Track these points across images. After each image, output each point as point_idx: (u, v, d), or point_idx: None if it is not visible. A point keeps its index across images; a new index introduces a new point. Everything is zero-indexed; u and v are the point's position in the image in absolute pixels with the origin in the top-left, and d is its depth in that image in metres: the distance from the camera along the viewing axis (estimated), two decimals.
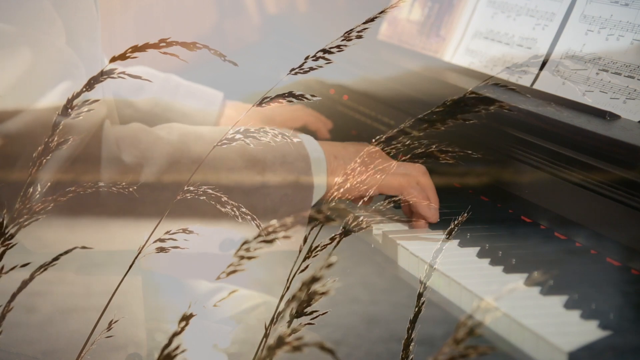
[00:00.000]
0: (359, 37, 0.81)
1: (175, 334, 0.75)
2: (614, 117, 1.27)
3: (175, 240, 0.85)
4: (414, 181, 1.34)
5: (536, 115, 1.35)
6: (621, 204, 1.15)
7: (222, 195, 0.89)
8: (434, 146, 0.94)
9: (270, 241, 0.75)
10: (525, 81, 1.47)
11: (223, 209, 0.89)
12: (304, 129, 1.80)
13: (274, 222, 0.74)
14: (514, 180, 1.37)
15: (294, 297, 0.69)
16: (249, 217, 0.91)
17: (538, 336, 0.97)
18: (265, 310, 1.60)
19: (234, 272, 0.75)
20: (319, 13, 2.40)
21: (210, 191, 0.87)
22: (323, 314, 0.76)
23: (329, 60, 0.81)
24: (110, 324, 0.93)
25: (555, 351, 0.94)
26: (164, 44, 0.73)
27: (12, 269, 0.76)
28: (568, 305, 1.03)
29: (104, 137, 1.22)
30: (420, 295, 0.87)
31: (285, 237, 0.74)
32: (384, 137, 0.94)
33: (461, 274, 1.15)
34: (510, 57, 1.55)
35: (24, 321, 1.31)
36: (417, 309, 0.85)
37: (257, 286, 1.65)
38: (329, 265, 0.68)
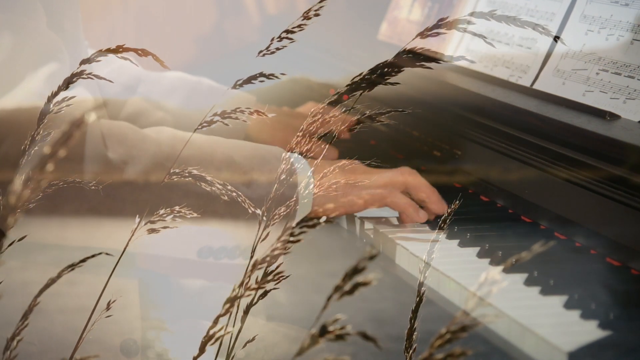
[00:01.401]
0: (317, 15, 0.89)
1: (220, 316, 0.77)
2: (614, 117, 1.27)
3: (164, 220, 0.87)
4: (398, 188, 1.32)
5: (536, 115, 1.35)
6: (621, 204, 1.15)
7: (206, 175, 0.91)
8: (368, 111, 0.98)
9: (313, 225, 0.77)
10: (525, 81, 1.47)
11: (208, 188, 0.90)
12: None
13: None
14: (514, 180, 1.37)
15: (337, 288, 0.69)
16: (235, 193, 0.92)
17: (538, 336, 0.97)
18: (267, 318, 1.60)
19: (280, 255, 0.77)
20: (319, 13, 2.39)
21: (195, 172, 0.89)
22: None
23: (292, 39, 0.88)
24: (108, 304, 0.93)
25: (555, 351, 0.94)
26: (122, 49, 0.82)
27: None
28: (568, 305, 1.03)
29: (90, 131, 1.21)
30: (420, 284, 0.88)
31: (328, 221, 0.75)
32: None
33: (461, 274, 1.15)
34: (510, 57, 1.55)
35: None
36: (418, 298, 0.85)
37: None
38: (372, 257, 0.69)
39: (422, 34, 0.92)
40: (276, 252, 0.77)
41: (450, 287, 1.14)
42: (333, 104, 0.91)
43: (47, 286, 0.76)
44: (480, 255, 1.21)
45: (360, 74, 0.90)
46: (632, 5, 1.35)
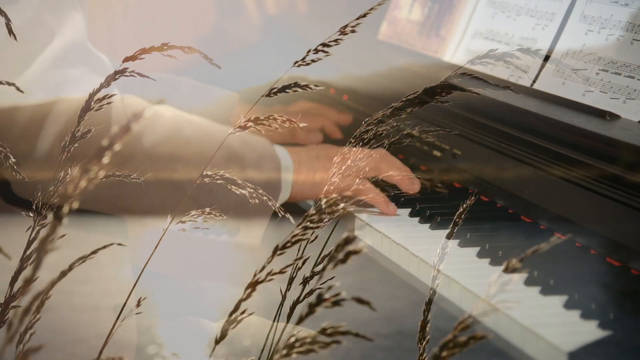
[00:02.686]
0: (353, 31, 0.90)
1: (242, 300, 0.79)
2: (614, 117, 1.27)
3: (195, 221, 0.89)
4: (370, 174, 1.38)
5: (536, 115, 1.35)
6: (621, 203, 1.16)
7: (237, 179, 0.93)
8: (416, 128, 0.99)
9: (332, 212, 0.80)
10: (525, 81, 1.47)
11: (238, 192, 0.91)
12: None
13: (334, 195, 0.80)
14: (514, 179, 1.37)
15: (331, 258, 0.73)
16: (265, 197, 0.94)
17: (538, 336, 0.97)
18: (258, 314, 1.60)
19: (299, 241, 0.80)
20: (319, 13, 2.40)
21: (227, 175, 0.91)
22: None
23: (328, 52, 0.90)
24: (139, 302, 0.95)
25: (555, 351, 0.94)
26: (167, 47, 0.83)
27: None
28: (568, 305, 1.03)
29: (114, 105, 1.26)
30: (434, 277, 0.89)
31: (344, 209, 0.80)
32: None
33: (461, 274, 1.15)
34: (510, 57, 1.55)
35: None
36: (431, 290, 0.87)
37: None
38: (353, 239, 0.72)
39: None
40: (295, 239, 0.79)
41: (451, 287, 1.14)
42: (388, 116, 0.94)
43: (59, 278, 0.76)
44: (480, 255, 1.21)
45: (415, 92, 0.95)
46: (632, 5, 1.35)
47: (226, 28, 2.47)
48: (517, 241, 1.25)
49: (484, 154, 1.44)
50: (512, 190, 1.38)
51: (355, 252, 0.71)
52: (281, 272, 0.79)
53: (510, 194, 1.38)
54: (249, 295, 0.79)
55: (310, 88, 0.90)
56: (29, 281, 0.65)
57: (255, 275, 0.79)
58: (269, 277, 0.79)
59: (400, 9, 1.93)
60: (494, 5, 1.64)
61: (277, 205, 1.26)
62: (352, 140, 0.97)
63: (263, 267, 0.79)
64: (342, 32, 0.89)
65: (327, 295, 0.70)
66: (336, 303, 0.70)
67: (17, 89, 0.87)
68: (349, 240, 0.73)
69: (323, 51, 0.90)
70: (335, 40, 0.89)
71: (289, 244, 0.80)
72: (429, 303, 0.86)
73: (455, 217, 0.94)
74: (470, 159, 1.48)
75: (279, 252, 0.80)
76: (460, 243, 1.26)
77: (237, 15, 2.47)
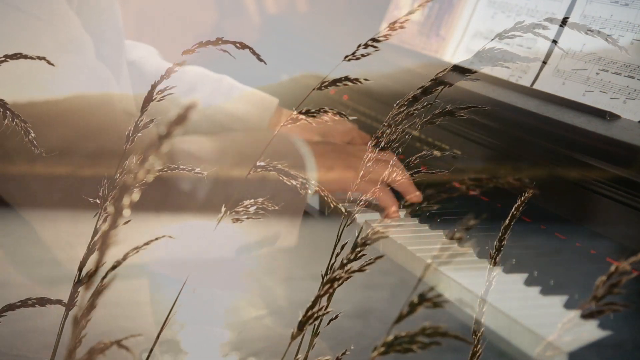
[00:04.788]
0: (402, 27, 0.92)
1: (319, 296, 0.78)
2: (614, 117, 1.27)
3: (249, 212, 0.90)
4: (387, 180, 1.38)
5: (536, 115, 1.35)
6: (621, 203, 1.16)
7: (290, 170, 0.93)
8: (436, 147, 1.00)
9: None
10: (525, 81, 1.47)
11: (289, 183, 0.93)
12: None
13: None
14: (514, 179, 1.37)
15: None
16: (318, 188, 0.95)
17: (538, 336, 0.97)
18: (271, 320, 1.60)
19: (379, 238, 0.81)
20: (319, 13, 2.40)
21: (279, 166, 0.92)
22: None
23: (377, 47, 0.91)
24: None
25: (555, 351, 0.94)
26: (221, 42, 0.86)
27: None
28: (568, 305, 1.03)
29: None
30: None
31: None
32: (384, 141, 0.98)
33: (461, 274, 1.15)
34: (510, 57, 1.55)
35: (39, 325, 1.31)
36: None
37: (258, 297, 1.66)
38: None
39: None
40: (377, 236, 0.80)
41: (450, 286, 1.14)
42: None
43: (113, 268, 0.77)
44: (480, 255, 1.21)
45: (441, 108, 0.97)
46: (632, 5, 1.35)
47: (226, 28, 2.47)
48: (517, 241, 1.25)
49: (484, 153, 1.44)
50: (512, 190, 1.37)
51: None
52: (361, 270, 0.79)
53: (510, 194, 1.38)
54: (326, 292, 0.78)
55: (359, 82, 0.92)
56: (98, 264, 0.66)
57: (334, 272, 0.79)
58: (348, 274, 0.79)
59: (400, 9, 1.93)
60: (494, 5, 1.64)
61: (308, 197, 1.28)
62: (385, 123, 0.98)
63: (343, 264, 0.79)
64: (391, 27, 0.91)
65: (429, 295, 0.70)
66: (437, 304, 0.70)
67: (48, 62, 0.88)
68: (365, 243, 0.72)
69: (372, 46, 0.91)
70: (385, 36, 0.90)
71: (369, 241, 0.80)
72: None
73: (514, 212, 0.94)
74: (470, 158, 1.48)
75: (359, 248, 0.80)
76: (460, 243, 1.26)
77: (237, 15, 2.47)
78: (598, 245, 1.20)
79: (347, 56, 0.93)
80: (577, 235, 1.23)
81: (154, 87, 0.89)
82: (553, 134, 1.30)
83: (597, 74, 1.36)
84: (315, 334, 0.86)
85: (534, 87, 1.45)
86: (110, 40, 1.37)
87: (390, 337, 0.69)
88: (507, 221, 0.91)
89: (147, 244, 0.82)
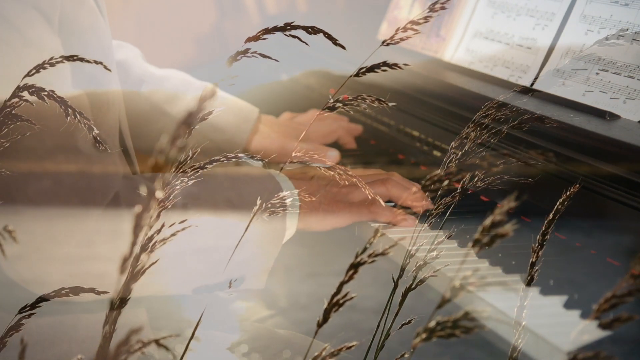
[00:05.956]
0: (443, 8, 0.90)
1: (343, 283, 0.78)
2: (614, 117, 1.27)
3: (285, 204, 0.90)
4: (383, 198, 1.33)
5: (535, 114, 1.35)
6: (621, 203, 1.15)
7: (326, 160, 0.93)
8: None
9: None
10: (525, 81, 1.47)
11: (327, 173, 0.93)
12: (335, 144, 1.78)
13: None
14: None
15: (476, 241, 0.74)
16: (355, 179, 0.94)
17: (538, 336, 0.97)
18: (282, 319, 1.59)
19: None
20: (319, 13, 2.40)
21: (316, 156, 0.92)
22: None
23: (417, 30, 0.88)
24: (230, 283, 0.94)
25: (555, 351, 0.94)
26: (290, 27, 0.86)
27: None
28: (568, 305, 1.03)
29: None
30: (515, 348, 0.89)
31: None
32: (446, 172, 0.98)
33: (461, 274, 1.14)
34: (510, 57, 1.55)
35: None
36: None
37: (264, 300, 1.66)
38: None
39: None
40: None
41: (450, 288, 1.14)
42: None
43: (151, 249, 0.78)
44: (480, 255, 1.21)
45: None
46: (632, 5, 1.35)
47: (226, 28, 2.47)
48: (517, 241, 1.25)
49: (484, 153, 1.44)
50: (512, 190, 1.37)
51: (503, 236, 0.72)
52: (383, 253, 0.78)
53: (509, 193, 1.38)
54: (350, 277, 0.78)
55: (399, 67, 0.89)
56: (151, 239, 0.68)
57: (357, 257, 0.79)
58: (371, 259, 0.78)
59: (400, 9, 1.93)
60: (494, 5, 1.64)
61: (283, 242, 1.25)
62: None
63: (365, 249, 0.79)
64: (432, 9, 0.88)
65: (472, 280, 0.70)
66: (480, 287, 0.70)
67: (105, 67, 0.87)
68: (495, 224, 0.74)
69: (412, 29, 0.88)
70: (425, 18, 0.88)
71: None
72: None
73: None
74: (470, 158, 1.48)
75: (378, 235, 0.80)
76: (460, 244, 1.26)
77: (237, 15, 2.47)
78: (598, 245, 1.20)
79: (385, 41, 0.91)
80: (577, 235, 1.23)
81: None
82: (552, 133, 1.30)
83: (597, 74, 1.36)
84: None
85: (534, 87, 1.45)
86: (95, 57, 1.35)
87: (432, 323, 0.69)
88: (550, 215, 0.90)
89: (174, 234, 0.83)
